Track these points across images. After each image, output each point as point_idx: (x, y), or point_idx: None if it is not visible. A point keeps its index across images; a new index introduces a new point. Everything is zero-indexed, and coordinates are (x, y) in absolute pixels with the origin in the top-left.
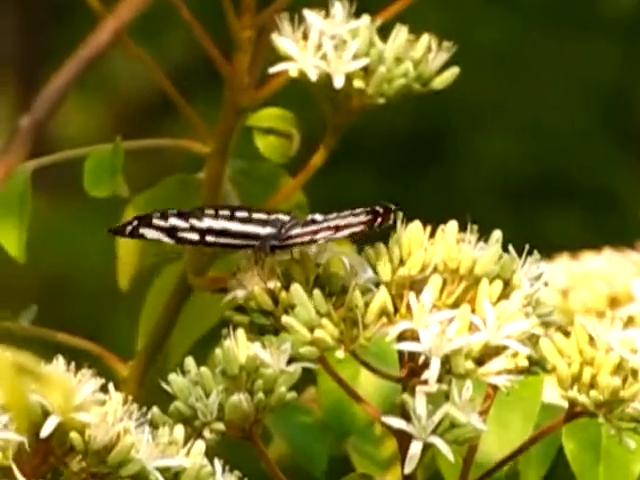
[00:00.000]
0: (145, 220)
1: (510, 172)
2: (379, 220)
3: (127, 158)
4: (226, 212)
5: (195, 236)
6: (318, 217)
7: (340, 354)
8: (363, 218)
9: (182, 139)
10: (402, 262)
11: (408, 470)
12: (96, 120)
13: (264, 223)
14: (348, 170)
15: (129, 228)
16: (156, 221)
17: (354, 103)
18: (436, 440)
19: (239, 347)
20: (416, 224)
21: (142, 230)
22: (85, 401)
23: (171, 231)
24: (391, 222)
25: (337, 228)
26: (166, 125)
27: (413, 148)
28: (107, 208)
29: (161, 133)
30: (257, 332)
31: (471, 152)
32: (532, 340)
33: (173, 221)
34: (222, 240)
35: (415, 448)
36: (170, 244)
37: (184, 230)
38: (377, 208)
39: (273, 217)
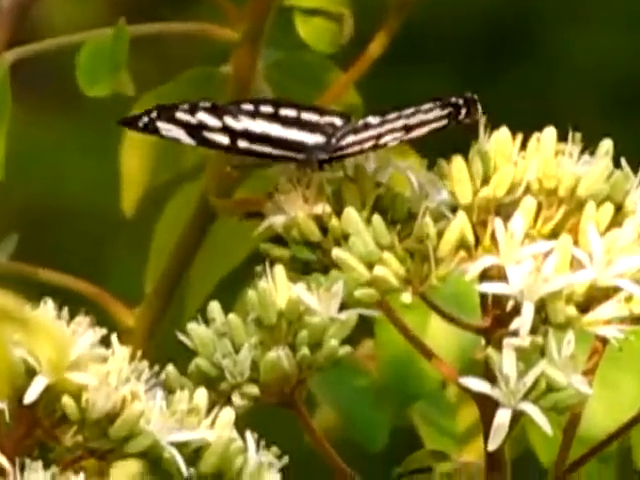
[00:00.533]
0: (168, 112)
1: (622, 70)
2: (463, 112)
3: (132, 52)
4: (269, 109)
5: (224, 139)
6: (373, 120)
7: (407, 297)
8: (440, 112)
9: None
10: (486, 180)
11: (493, 446)
12: (91, 6)
13: (313, 128)
14: (413, 66)
15: (145, 119)
16: (181, 114)
17: None
18: (528, 407)
19: (277, 289)
20: (503, 132)
21: (160, 124)
22: (81, 357)
23: (196, 130)
24: (477, 117)
25: (407, 128)
26: (180, 12)
27: (496, 37)
28: (104, 118)
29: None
30: (300, 270)
31: (572, 45)
32: None
33: (202, 116)
34: (257, 148)
35: (502, 417)
36: (190, 150)
37: (213, 130)
38: (455, 99)
39: (326, 120)
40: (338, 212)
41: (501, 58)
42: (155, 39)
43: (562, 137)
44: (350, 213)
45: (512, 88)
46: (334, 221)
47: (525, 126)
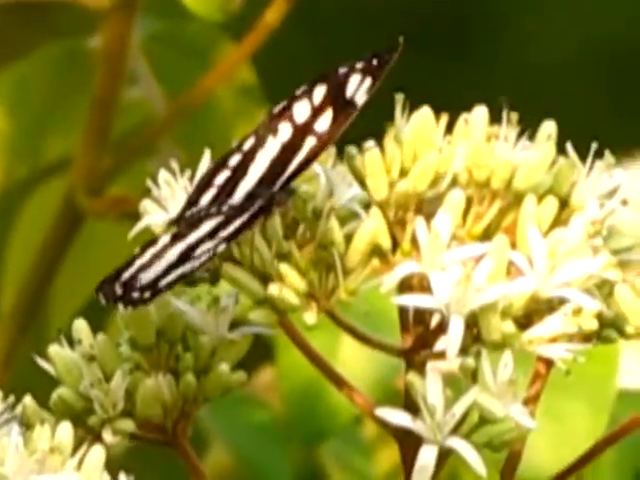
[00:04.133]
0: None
1: (601, 43)
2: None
3: None
4: None
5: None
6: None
7: (310, 318)
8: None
9: None
10: (404, 171)
11: None
12: None
13: None
14: (328, 36)
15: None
16: None
17: None
18: (458, 443)
19: (156, 304)
20: (425, 111)
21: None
22: None
23: None
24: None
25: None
26: None
27: (446, 6)
28: None
29: None
30: (183, 280)
31: (537, 11)
32: (603, 289)
33: None
34: None
35: (426, 456)
36: (52, 139)
37: None
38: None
39: None
40: None
41: (452, 29)
42: (24, 7)
43: (496, 118)
44: None
45: (463, 65)
46: None
47: (460, 107)
